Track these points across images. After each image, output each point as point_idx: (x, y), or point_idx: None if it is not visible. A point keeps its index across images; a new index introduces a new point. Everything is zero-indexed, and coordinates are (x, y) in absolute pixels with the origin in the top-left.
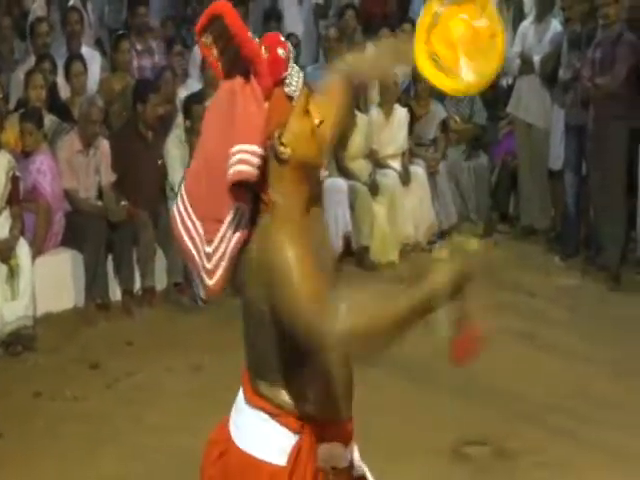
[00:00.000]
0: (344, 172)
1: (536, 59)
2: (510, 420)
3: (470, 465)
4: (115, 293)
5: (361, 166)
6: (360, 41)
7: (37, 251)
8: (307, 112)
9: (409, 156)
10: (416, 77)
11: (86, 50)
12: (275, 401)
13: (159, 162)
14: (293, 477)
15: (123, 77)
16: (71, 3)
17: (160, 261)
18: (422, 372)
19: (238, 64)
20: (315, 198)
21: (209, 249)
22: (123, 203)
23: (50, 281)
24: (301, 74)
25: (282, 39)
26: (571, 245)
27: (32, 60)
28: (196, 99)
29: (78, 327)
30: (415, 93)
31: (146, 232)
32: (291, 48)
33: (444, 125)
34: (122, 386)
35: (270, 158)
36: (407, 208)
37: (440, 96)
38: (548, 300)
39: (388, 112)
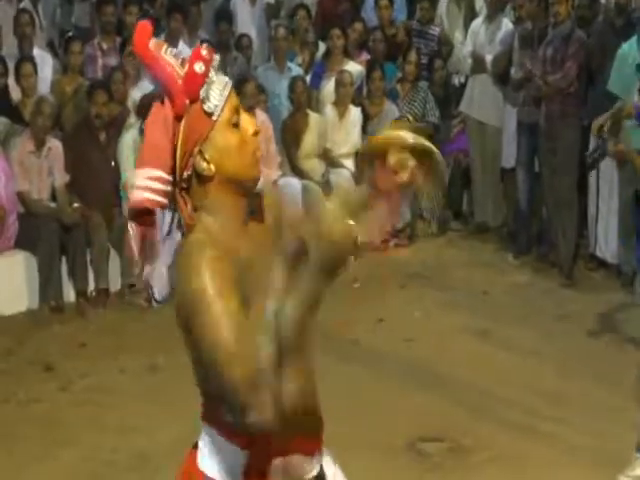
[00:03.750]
0: (297, 171)
1: (488, 58)
2: (464, 416)
3: (425, 461)
4: (69, 295)
5: (314, 165)
6: (311, 41)
7: None
8: (235, 124)
9: None
10: (369, 77)
11: (37, 52)
12: (223, 418)
13: (112, 164)
14: None
15: (74, 79)
16: (22, 5)
17: (114, 262)
18: (377, 368)
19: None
20: (251, 212)
21: None
22: (76, 205)
23: (3, 284)
24: (227, 85)
25: (204, 52)
26: (523, 242)
27: None
28: (151, 99)
29: (32, 330)
30: (368, 92)
31: (100, 234)
32: (216, 59)
33: None
34: (76, 388)
35: (193, 177)
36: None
37: (393, 95)
38: (501, 297)
39: (342, 111)
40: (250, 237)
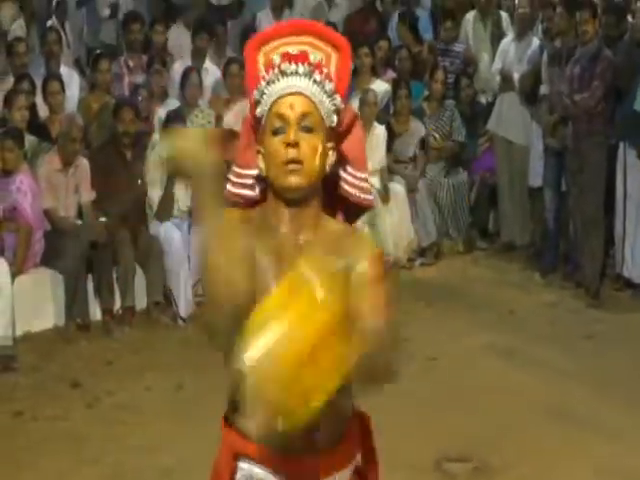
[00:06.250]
0: None
1: (516, 76)
2: (490, 436)
3: None
4: (95, 313)
5: None
6: None
7: (17, 271)
8: (276, 132)
9: (388, 174)
10: (395, 95)
11: (65, 70)
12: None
13: (139, 181)
14: None
15: (101, 96)
16: (49, 23)
17: (140, 280)
18: (402, 387)
19: None
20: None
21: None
22: (102, 219)
23: (30, 301)
24: (279, 92)
25: (276, 58)
26: (550, 261)
27: (9, 80)
28: (176, 116)
29: (58, 346)
30: (394, 111)
31: (126, 251)
32: (289, 67)
33: (423, 142)
34: (103, 406)
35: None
36: (387, 225)
37: (419, 113)
38: (528, 316)
39: (366, 129)
40: (274, 245)
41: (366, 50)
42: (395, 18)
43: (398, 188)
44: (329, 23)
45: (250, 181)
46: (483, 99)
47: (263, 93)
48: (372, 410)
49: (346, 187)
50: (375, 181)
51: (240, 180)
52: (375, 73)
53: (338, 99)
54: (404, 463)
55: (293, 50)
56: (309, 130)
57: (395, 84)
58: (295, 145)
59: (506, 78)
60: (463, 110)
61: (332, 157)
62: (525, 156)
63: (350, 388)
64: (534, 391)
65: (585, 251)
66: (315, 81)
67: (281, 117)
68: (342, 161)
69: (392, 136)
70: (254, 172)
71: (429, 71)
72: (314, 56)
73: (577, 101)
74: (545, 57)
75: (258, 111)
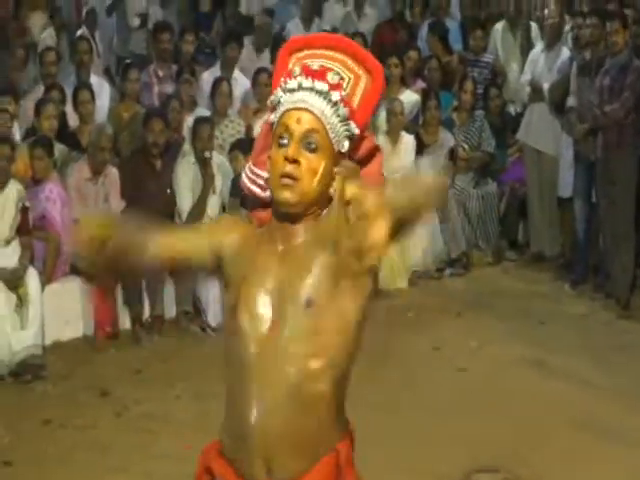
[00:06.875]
0: None
1: (545, 86)
2: (520, 447)
3: None
4: (124, 322)
5: None
6: None
7: (47, 279)
8: (281, 144)
9: None
10: (425, 105)
11: (95, 79)
12: None
13: (168, 191)
14: None
15: (131, 106)
16: (79, 33)
17: (169, 289)
18: (433, 399)
19: None
20: (280, 233)
21: None
22: None
23: (59, 310)
24: (292, 104)
25: (296, 69)
26: (581, 272)
27: (40, 89)
28: (204, 121)
29: (87, 355)
30: (424, 121)
31: None
32: (304, 81)
33: (452, 153)
34: (131, 414)
35: None
36: (416, 235)
37: (448, 124)
38: (557, 327)
39: (395, 140)
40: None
41: (395, 60)
42: (425, 28)
43: None
44: (358, 33)
45: (261, 181)
46: (512, 109)
47: (279, 101)
48: (402, 420)
49: None
50: None
51: (253, 177)
52: (404, 83)
53: (352, 125)
54: (432, 473)
55: (314, 65)
56: (313, 150)
57: (424, 94)
58: (293, 161)
59: (535, 88)
60: (492, 120)
61: (338, 182)
62: (555, 166)
63: (330, 425)
64: (564, 402)
65: (615, 263)
66: (330, 102)
67: (287, 129)
68: None
69: (421, 147)
70: (265, 174)
71: (458, 81)
72: (332, 76)
73: (607, 112)
74: (574, 68)
75: (272, 117)
